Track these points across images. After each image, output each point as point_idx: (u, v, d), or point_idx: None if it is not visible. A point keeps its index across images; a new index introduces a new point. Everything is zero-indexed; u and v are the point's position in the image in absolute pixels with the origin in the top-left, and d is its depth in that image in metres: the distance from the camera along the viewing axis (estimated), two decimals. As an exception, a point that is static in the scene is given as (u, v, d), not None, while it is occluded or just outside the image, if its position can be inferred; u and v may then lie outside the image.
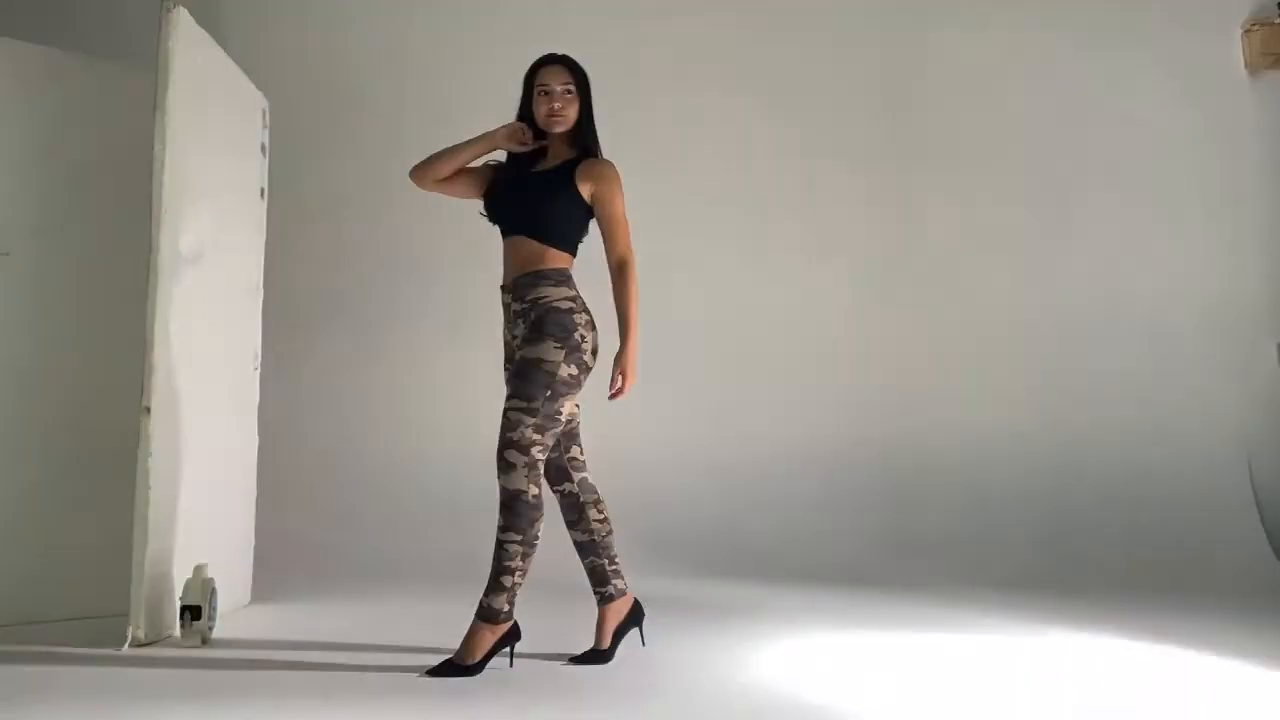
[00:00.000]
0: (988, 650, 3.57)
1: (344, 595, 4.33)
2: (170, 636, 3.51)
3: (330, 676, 3.05)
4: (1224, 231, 5.58)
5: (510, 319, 3.19)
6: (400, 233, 5.49)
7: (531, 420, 3.03)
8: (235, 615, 3.89)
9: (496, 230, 3.30)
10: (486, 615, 3.07)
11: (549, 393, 3.05)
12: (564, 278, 3.17)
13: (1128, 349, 5.51)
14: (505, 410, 3.06)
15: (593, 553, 3.29)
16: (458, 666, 3.03)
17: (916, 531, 5.26)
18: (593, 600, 3.35)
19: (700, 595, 4.48)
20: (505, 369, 3.24)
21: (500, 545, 3.05)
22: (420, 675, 3.01)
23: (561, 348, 3.07)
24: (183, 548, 3.59)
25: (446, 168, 3.26)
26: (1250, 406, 5.49)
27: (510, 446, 3.04)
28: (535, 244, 3.15)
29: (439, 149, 3.28)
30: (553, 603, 3.78)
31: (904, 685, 3.11)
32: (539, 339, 3.08)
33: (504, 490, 3.05)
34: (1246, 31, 5.60)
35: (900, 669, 3.31)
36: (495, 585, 3.06)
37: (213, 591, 3.46)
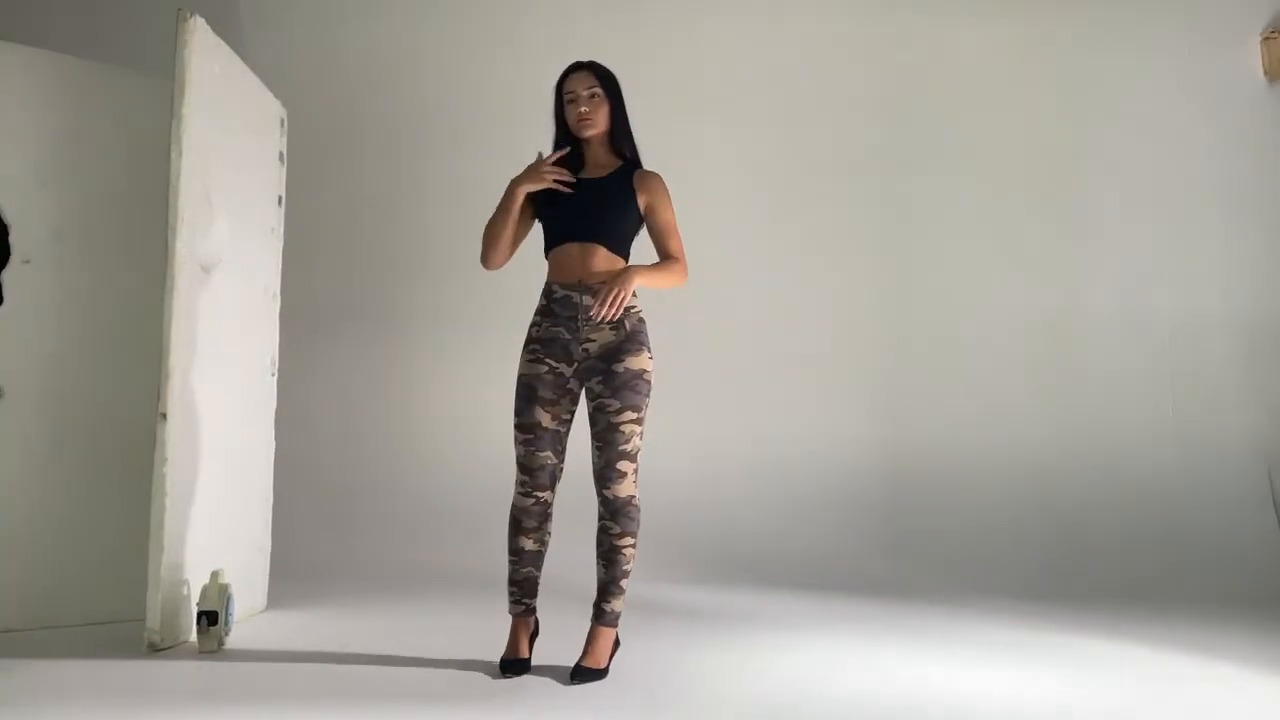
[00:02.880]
0: (1006, 660, 3.56)
1: (360, 601, 4.33)
2: (187, 642, 3.52)
3: (346, 683, 3.06)
4: (1242, 240, 5.55)
5: (589, 322, 3.16)
6: (417, 239, 5.52)
7: (640, 429, 3.18)
8: (251, 621, 3.90)
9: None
10: (612, 620, 3.22)
11: (648, 401, 3.19)
12: None
13: (1146, 358, 5.48)
14: (619, 424, 3.13)
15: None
16: (594, 671, 3.13)
17: (931, 539, 5.24)
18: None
19: (708, 603, 4.47)
20: (545, 367, 3.17)
21: (619, 551, 3.18)
22: (566, 684, 3.08)
23: (652, 358, 3.22)
24: (199, 553, 3.60)
25: (502, 242, 3.26)
26: (1270, 415, 5.45)
27: (624, 458, 3.15)
28: (607, 253, 3.21)
29: (483, 233, 3.27)
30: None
31: (919, 696, 3.10)
32: (638, 350, 3.19)
33: (616, 499, 3.15)
34: (1265, 39, 5.57)
35: (915, 680, 3.29)
36: (617, 590, 3.21)
37: (229, 597, 3.47)
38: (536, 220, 3.33)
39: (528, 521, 3.19)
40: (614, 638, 3.24)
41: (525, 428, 3.16)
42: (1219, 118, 5.60)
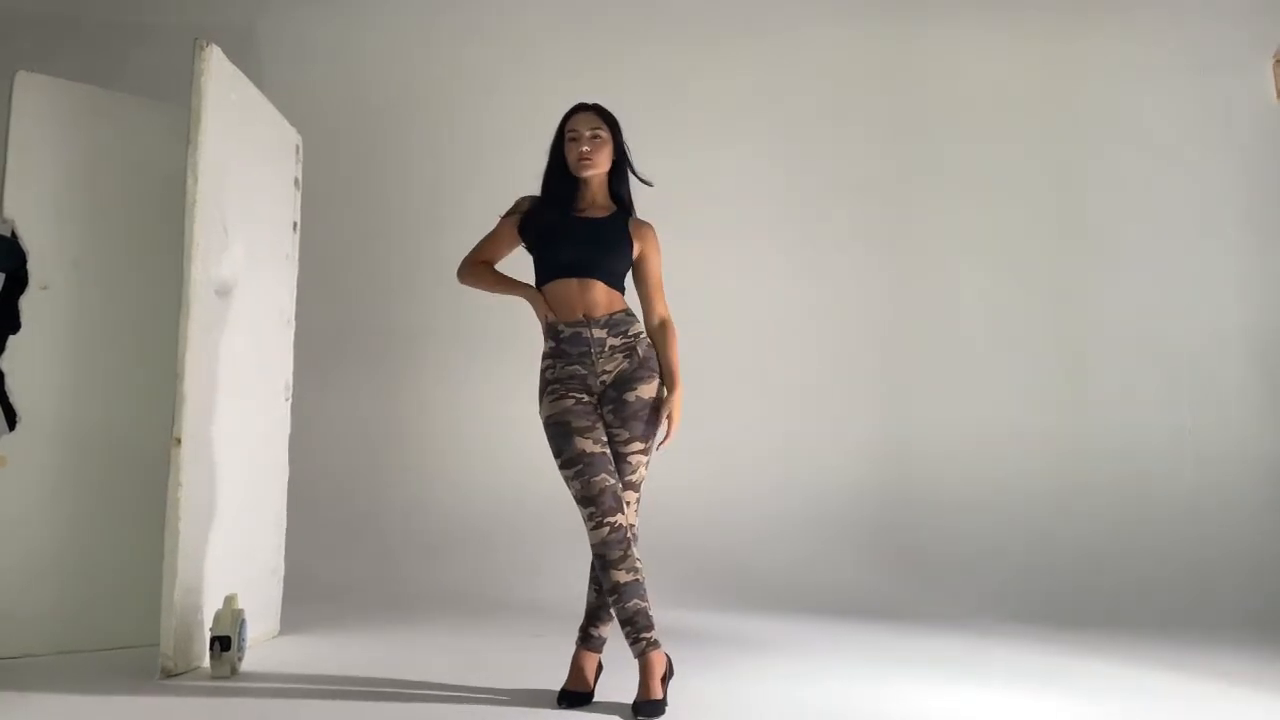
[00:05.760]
0: (1024, 685, 3.54)
1: (374, 625, 4.34)
2: (200, 667, 3.52)
3: (359, 708, 3.06)
4: (1257, 260, 5.53)
5: (601, 353, 3.18)
6: (431, 264, 5.51)
7: (647, 459, 3.22)
8: (265, 646, 3.91)
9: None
10: (598, 646, 3.25)
11: (656, 430, 3.22)
12: None
13: (1162, 379, 5.46)
14: (627, 454, 3.16)
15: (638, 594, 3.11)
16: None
17: (945, 564, 5.22)
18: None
19: (710, 626, 4.47)
20: (572, 399, 3.14)
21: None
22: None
23: (661, 385, 3.24)
24: (213, 578, 3.61)
25: (479, 286, 3.42)
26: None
27: (629, 488, 3.16)
28: (605, 287, 3.22)
29: (470, 271, 3.41)
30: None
31: None
32: (649, 377, 3.22)
33: (620, 529, 3.03)
34: (1277, 61, 5.57)
35: (926, 705, 3.28)
36: (608, 616, 3.20)
37: (242, 622, 3.47)
38: (517, 249, 3.36)
39: (612, 553, 3.01)
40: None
41: (572, 461, 3.06)
42: (1230, 140, 5.59)
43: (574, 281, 3.20)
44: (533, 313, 3.30)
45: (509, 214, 3.35)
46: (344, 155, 5.52)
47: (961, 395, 5.50)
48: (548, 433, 3.15)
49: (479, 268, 3.39)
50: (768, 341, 5.57)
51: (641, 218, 3.35)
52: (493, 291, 3.40)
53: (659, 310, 3.32)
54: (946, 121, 5.73)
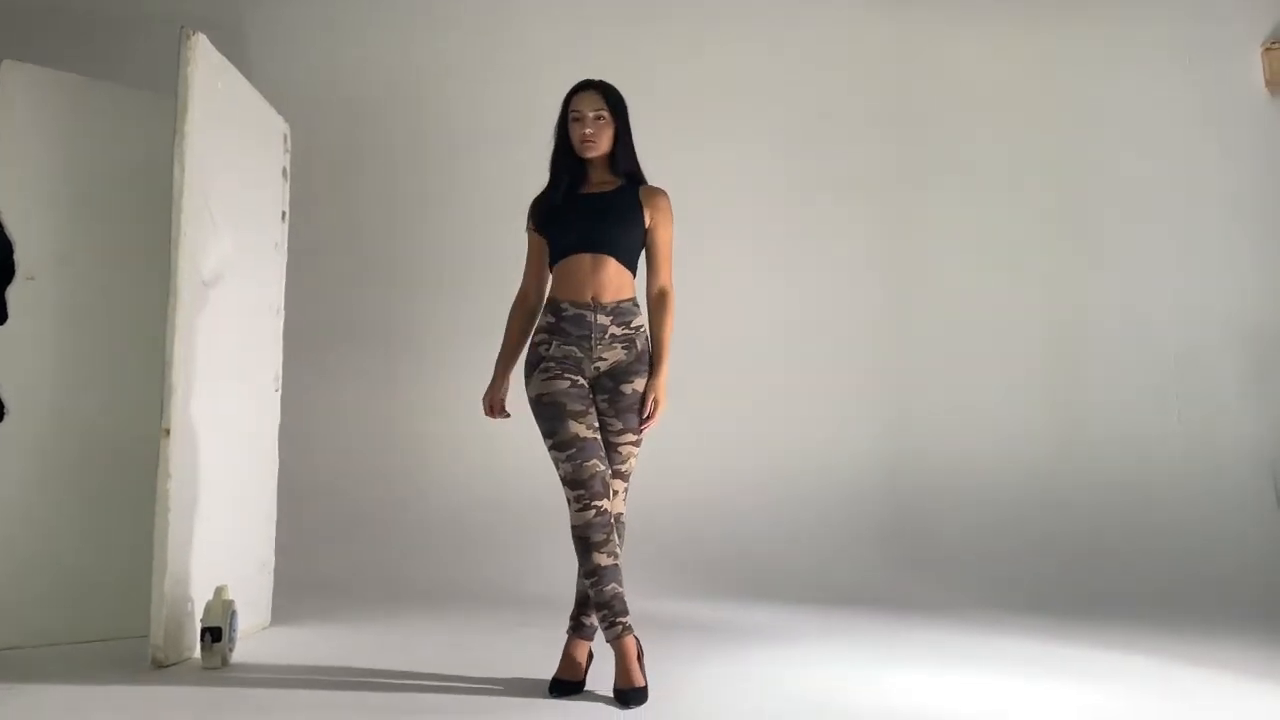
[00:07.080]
0: (1017, 674, 3.54)
1: (364, 616, 4.33)
2: (191, 658, 3.52)
3: (350, 699, 3.05)
4: (1246, 251, 5.54)
5: (602, 340, 3.17)
6: (421, 254, 5.51)
7: (637, 450, 3.22)
8: (255, 637, 3.90)
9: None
10: (590, 634, 3.23)
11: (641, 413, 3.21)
12: None
13: (1149, 368, 5.47)
14: (619, 445, 3.17)
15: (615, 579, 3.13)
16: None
17: (940, 554, 5.22)
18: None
19: (711, 617, 4.45)
20: (567, 381, 3.12)
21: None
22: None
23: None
24: (203, 569, 3.60)
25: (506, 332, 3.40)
26: (1274, 424, 5.43)
27: (619, 477, 3.17)
28: (617, 265, 3.21)
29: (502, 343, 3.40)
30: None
31: (930, 711, 3.09)
32: (642, 371, 3.22)
33: (605, 513, 3.04)
34: (1267, 50, 5.57)
35: (926, 694, 3.28)
36: (622, 600, 3.07)
37: (233, 613, 3.46)
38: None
39: (596, 535, 3.01)
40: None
41: (565, 444, 3.05)
42: (1221, 129, 5.60)
43: (586, 258, 3.18)
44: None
45: (528, 219, 3.33)
46: (333, 144, 5.50)
47: (959, 387, 5.51)
48: (539, 411, 3.13)
49: (519, 314, 3.36)
50: (767, 335, 5.56)
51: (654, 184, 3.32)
52: (504, 346, 3.37)
53: (661, 279, 3.29)
54: (940, 117, 5.72)
